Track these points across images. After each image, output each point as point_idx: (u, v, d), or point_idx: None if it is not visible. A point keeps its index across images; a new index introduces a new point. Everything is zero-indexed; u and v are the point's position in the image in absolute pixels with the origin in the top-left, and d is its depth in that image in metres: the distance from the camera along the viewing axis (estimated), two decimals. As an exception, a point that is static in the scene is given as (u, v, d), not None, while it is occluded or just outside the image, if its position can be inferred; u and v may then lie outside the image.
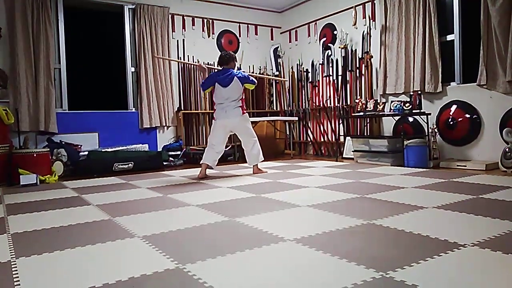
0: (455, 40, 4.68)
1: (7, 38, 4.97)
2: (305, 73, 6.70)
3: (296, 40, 7.06)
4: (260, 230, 2.01)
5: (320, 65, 6.39)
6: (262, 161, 4.43)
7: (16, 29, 4.95)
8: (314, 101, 6.50)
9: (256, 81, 4.34)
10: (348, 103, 5.91)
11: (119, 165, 4.90)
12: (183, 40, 6.31)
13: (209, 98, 6.47)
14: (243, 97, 4.28)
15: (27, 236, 2.06)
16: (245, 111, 4.23)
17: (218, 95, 4.17)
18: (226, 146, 6.07)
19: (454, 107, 4.66)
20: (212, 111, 6.40)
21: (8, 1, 4.98)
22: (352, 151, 5.32)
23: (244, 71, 4.52)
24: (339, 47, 5.95)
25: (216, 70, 4.39)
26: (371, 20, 5.61)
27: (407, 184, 3.25)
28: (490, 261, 1.49)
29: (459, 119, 4.60)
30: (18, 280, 1.45)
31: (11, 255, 1.75)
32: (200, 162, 4.23)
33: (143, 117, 5.86)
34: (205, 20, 6.55)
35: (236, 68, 4.34)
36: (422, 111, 4.65)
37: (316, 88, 6.47)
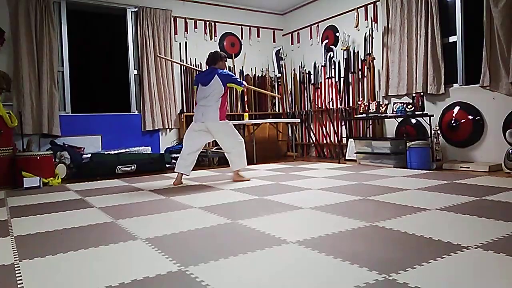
0: (458, 41, 4.67)
1: (10, 41, 5.00)
2: (307, 75, 6.70)
3: (298, 42, 7.07)
4: (262, 232, 2.01)
5: (322, 67, 6.40)
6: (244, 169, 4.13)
7: (20, 32, 4.98)
8: (316, 103, 6.50)
9: (244, 84, 4.05)
10: (351, 105, 5.91)
11: (122, 167, 4.91)
12: (186, 43, 6.32)
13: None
14: (225, 101, 3.93)
15: (31, 239, 2.07)
16: (224, 118, 3.89)
17: (198, 95, 3.93)
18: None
19: (457, 109, 4.65)
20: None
21: (11, 5, 5.01)
22: (355, 153, 5.31)
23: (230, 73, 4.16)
24: (341, 49, 5.94)
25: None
26: (373, 22, 5.61)
27: (410, 186, 3.25)
28: (493, 263, 1.49)
29: (462, 121, 4.59)
30: (22, 283, 1.46)
31: (14, 257, 1.76)
32: (175, 170, 3.99)
33: (145, 119, 5.87)
34: (208, 22, 6.56)
35: (225, 69, 4.06)
36: (424, 112, 4.64)
37: (319, 90, 6.48)
